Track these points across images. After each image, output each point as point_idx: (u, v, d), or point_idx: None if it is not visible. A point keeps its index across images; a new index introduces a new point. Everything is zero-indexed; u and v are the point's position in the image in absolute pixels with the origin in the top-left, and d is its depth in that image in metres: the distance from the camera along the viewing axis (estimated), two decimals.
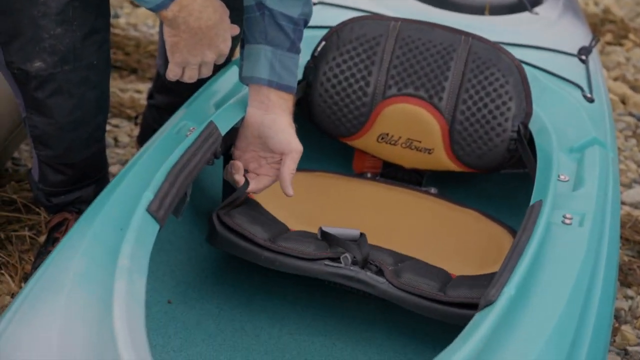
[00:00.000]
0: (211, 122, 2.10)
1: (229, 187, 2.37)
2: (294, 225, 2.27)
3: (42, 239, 2.54)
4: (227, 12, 2.08)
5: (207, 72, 2.13)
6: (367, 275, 2.06)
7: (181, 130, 2.15)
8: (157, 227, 1.76)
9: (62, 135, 2.26)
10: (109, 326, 1.46)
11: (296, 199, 2.38)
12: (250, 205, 2.26)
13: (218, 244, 2.15)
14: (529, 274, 1.76)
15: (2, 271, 2.44)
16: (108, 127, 3.20)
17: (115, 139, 3.15)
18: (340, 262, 2.08)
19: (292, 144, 2.12)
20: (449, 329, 1.90)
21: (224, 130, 2.13)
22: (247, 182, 2.14)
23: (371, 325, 2.22)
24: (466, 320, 1.69)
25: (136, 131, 3.19)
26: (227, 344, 2.12)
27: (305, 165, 2.59)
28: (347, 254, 2.08)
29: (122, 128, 3.21)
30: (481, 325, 1.59)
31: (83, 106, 2.24)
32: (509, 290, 1.68)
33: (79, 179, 2.38)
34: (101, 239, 1.70)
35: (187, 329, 2.12)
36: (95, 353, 1.44)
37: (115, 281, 1.55)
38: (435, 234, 2.37)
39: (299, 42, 2.14)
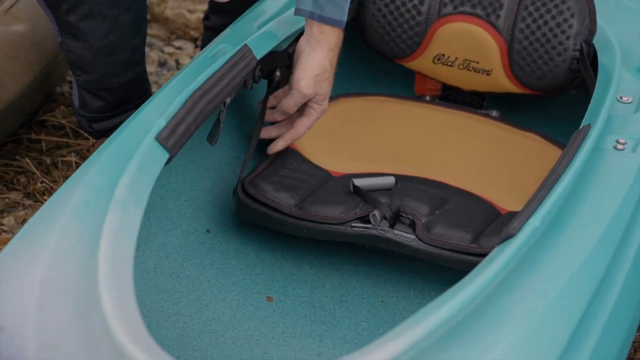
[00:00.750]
0: (244, 46, 2.03)
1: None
2: (339, 166, 2.19)
3: None
4: None
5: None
6: (395, 234, 1.99)
7: (217, 54, 2.08)
8: (165, 156, 1.70)
9: (97, 60, 2.22)
10: (94, 261, 1.41)
11: (345, 129, 2.30)
12: (284, 159, 2.18)
13: (245, 215, 2.09)
14: (563, 204, 1.64)
15: (46, 197, 2.43)
16: (171, 49, 3.15)
17: (177, 62, 3.10)
18: (370, 221, 2.00)
19: (299, 83, 2.06)
20: None
21: (260, 54, 2.05)
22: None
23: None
24: None
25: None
26: (266, 274, 2.07)
27: (364, 88, 2.51)
28: (375, 212, 2.00)
29: (184, 50, 3.16)
30: (495, 260, 1.49)
31: (117, 29, 2.19)
32: (534, 221, 1.57)
33: (119, 104, 2.33)
34: (107, 169, 1.65)
35: (225, 259, 2.07)
36: (78, 291, 1.40)
37: (108, 213, 1.49)
38: (491, 160, 2.26)
39: None
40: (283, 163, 2.17)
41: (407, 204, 2.04)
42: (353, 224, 2.01)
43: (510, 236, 1.55)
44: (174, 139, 1.73)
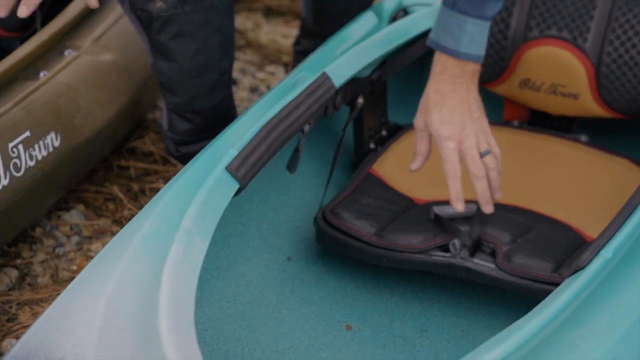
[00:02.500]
0: (323, 74, 2.03)
1: (360, 137, 2.29)
2: (422, 193, 2.17)
3: None
4: None
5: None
6: (475, 263, 1.96)
7: (297, 82, 2.08)
8: (235, 186, 1.71)
9: (186, 81, 2.25)
10: (156, 293, 1.42)
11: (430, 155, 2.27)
12: (367, 187, 2.17)
13: (325, 243, 2.08)
14: (636, 235, 1.60)
15: None
16: (262, 75, 3.17)
17: (268, 87, 3.11)
18: (449, 250, 1.98)
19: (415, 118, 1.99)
20: None
21: (339, 81, 2.05)
22: None
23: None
24: None
25: None
26: (346, 302, 2.06)
27: None
28: (455, 241, 1.98)
29: (276, 75, 3.17)
30: (564, 293, 1.45)
31: (206, 50, 2.21)
32: (606, 253, 1.53)
33: (206, 128, 2.35)
34: (178, 198, 1.66)
35: (305, 287, 2.07)
36: (139, 323, 1.41)
37: (172, 244, 1.50)
38: (579, 185, 2.21)
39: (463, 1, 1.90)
40: (366, 191, 2.16)
41: (489, 232, 2.01)
42: (433, 253, 1.99)
43: (580, 268, 1.51)
44: (244, 169, 1.73)
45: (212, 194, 1.64)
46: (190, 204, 1.62)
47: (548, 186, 2.21)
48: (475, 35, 1.89)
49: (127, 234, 1.60)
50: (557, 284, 1.87)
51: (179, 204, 1.64)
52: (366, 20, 2.39)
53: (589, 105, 2.28)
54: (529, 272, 1.92)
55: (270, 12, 3.54)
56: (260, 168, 1.78)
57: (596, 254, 1.53)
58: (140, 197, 2.56)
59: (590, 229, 2.06)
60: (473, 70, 1.93)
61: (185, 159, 2.41)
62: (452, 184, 1.92)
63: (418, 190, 2.18)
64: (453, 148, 1.92)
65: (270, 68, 3.20)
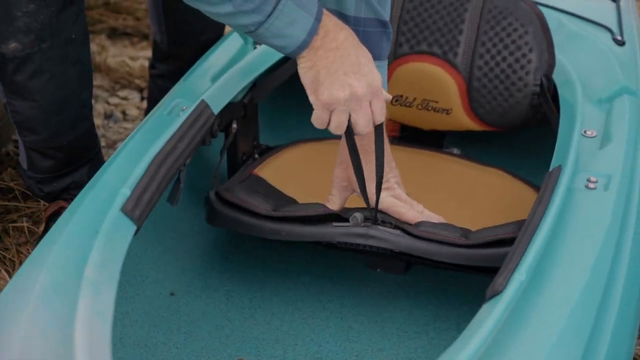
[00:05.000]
0: (202, 101, 1.97)
1: (234, 163, 2.24)
2: (303, 199, 2.13)
3: (42, 228, 2.43)
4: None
5: (364, 122, 1.77)
6: (381, 230, 1.90)
7: (173, 111, 2.01)
8: (133, 228, 1.63)
9: (46, 118, 2.15)
10: (70, 351, 1.33)
11: (305, 171, 2.24)
12: (253, 181, 2.12)
13: (218, 221, 2.00)
14: (544, 253, 1.60)
15: None
16: (116, 100, 3.07)
17: (124, 112, 3.02)
18: (349, 222, 1.92)
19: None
20: (473, 306, 1.73)
21: (217, 108, 1.99)
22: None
23: (390, 304, 2.07)
24: (495, 260, 1.51)
25: (145, 103, 3.06)
26: (236, 335, 2.00)
27: (317, 134, 2.45)
28: (356, 214, 1.92)
29: (130, 100, 3.08)
30: (487, 319, 1.43)
31: (65, 85, 2.12)
32: (519, 275, 1.52)
33: (69, 162, 2.26)
34: (73, 244, 1.57)
35: (192, 322, 1.99)
36: None
37: (79, 297, 1.41)
38: (458, 197, 2.22)
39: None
40: (253, 184, 2.09)
41: (387, 217, 1.96)
42: (334, 223, 1.93)
43: (497, 293, 1.50)
44: (140, 209, 1.65)
45: (112, 238, 1.56)
46: (86, 249, 1.53)
47: (424, 201, 2.19)
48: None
49: (21, 285, 1.50)
50: (467, 246, 1.84)
51: (74, 251, 1.55)
52: (231, 43, 2.34)
53: (461, 119, 2.29)
54: (437, 233, 1.88)
55: (115, 34, 3.44)
56: (154, 206, 1.70)
57: (510, 278, 1.52)
58: (4, 237, 2.43)
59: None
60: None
61: (50, 198, 2.31)
62: None
63: (300, 194, 2.13)
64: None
65: (123, 93, 3.11)
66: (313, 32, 1.69)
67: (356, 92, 1.73)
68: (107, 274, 1.49)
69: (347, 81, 1.72)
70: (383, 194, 1.94)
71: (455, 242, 1.88)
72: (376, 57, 1.84)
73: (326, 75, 1.73)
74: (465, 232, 1.94)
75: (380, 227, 1.91)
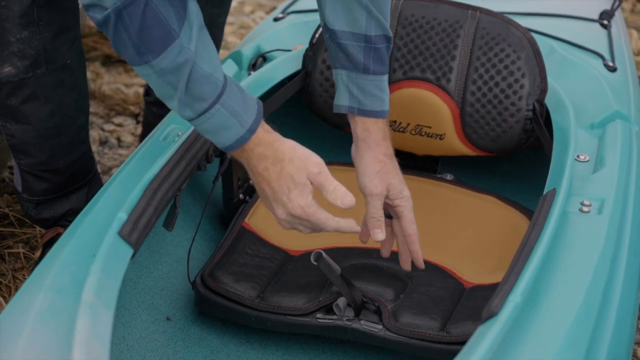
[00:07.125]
0: None
1: (229, 188, 2.25)
2: (296, 244, 2.14)
3: (38, 254, 2.43)
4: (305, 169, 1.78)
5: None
6: (362, 324, 1.94)
7: (169, 136, 2.03)
8: (130, 252, 1.64)
9: (42, 142, 2.15)
10: None
11: None
12: (242, 243, 2.13)
13: (207, 309, 2.03)
14: (539, 276, 1.61)
15: None
16: (111, 127, 3.08)
17: (119, 139, 3.03)
18: (334, 312, 1.95)
19: (366, 188, 1.96)
20: None
21: None
22: None
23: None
24: None
25: (140, 129, 3.07)
26: None
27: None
28: (338, 302, 1.95)
29: (125, 127, 3.09)
30: (482, 342, 1.44)
31: (61, 110, 2.12)
32: (514, 297, 1.53)
33: (65, 185, 2.26)
34: (70, 268, 1.57)
35: (188, 347, 2.00)
36: None
37: (77, 320, 1.42)
38: (450, 226, 2.23)
39: (374, 62, 1.94)
40: (242, 248, 2.11)
41: (370, 289, 1.99)
42: (318, 316, 1.95)
43: (492, 315, 1.51)
44: (136, 233, 1.66)
45: (109, 262, 1.57)
46: (83, 273, 1.54)
47: (419, 227, 2.20)
48: (387, 91, 1.95)
49: (18, 309, 1.51)
50: (445, 343, 1.87)
51: (72, 274, 1.55)
52: (226, 69, 2.35)
53: (455, 144, 2.30)
54: (416, 331, 1.91)
55: (109, 61, 3.45)
56: (150, 230, 1.71)
57: (505, 299, 1.53)
58: None
59: (467, 272, 2.09)
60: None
61: (47, 224, 2.30)
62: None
63: (291, 241, 2.15)
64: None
65: (118, 119, 3.12)
66: (243, 141, 1.74)
67: (289, 215, 1.80)
68: (104, 298, 1.49)
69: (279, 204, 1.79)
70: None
71: (435, 340, 1.90)
72: (384, 72, 1.95)
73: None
74: (446, 313, 1.96)
75: (362, 322, 1.94)
